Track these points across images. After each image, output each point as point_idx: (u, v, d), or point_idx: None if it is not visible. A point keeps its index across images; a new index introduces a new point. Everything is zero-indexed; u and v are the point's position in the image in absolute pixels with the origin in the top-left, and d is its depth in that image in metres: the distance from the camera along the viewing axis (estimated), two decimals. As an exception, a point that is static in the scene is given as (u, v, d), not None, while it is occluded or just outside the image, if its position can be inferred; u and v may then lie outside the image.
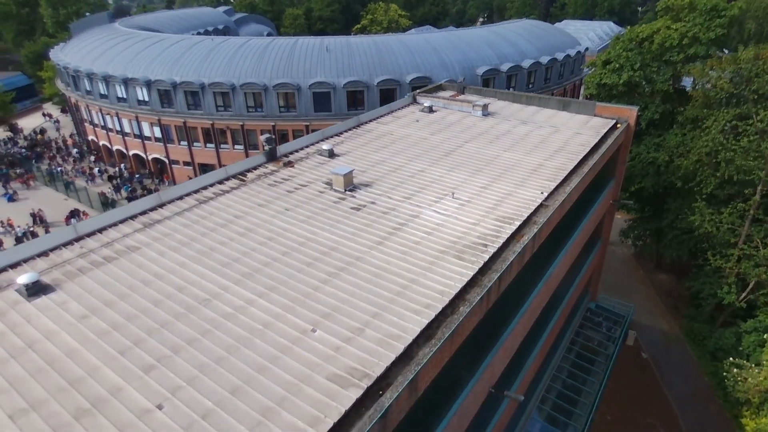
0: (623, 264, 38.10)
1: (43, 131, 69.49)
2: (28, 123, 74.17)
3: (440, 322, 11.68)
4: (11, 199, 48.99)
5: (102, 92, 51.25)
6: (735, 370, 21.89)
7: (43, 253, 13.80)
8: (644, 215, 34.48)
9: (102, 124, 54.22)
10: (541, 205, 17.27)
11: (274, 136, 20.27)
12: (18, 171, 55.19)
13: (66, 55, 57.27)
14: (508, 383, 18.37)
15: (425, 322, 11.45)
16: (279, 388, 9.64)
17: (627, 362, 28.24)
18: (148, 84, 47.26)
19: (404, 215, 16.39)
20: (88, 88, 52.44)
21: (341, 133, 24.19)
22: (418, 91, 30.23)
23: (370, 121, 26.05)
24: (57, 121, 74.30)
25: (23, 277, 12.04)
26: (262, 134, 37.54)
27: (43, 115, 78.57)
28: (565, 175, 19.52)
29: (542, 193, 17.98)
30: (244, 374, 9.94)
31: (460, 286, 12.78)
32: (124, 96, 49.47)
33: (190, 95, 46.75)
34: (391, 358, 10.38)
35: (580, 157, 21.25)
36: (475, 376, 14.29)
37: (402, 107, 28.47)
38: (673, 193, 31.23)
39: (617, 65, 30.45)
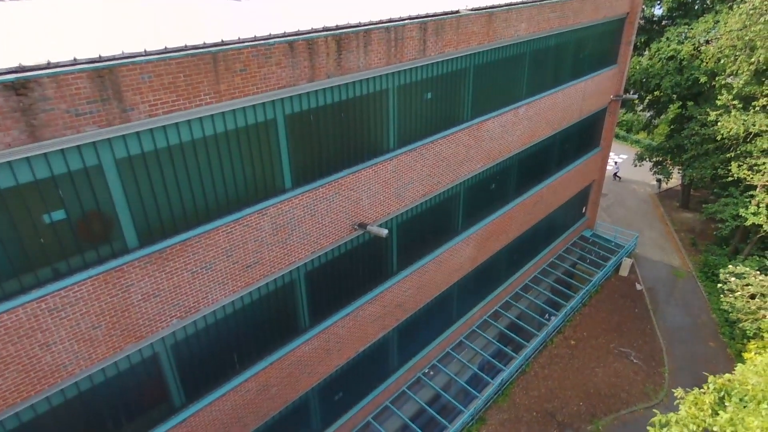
0: (642, 201, 32.34)
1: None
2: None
3: None
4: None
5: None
6: (733, 279, 16.79)
7: None
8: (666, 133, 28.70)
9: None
10: None
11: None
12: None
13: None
14: (411, 253, 14.78)
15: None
16: None
17: (616, 292, 23.37)
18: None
19: None
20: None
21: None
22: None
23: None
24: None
25: None
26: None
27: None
28: None
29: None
30: None
31: None
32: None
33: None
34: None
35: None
36: (313, 184, 10.85)
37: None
38: (698, 98, 25.40)
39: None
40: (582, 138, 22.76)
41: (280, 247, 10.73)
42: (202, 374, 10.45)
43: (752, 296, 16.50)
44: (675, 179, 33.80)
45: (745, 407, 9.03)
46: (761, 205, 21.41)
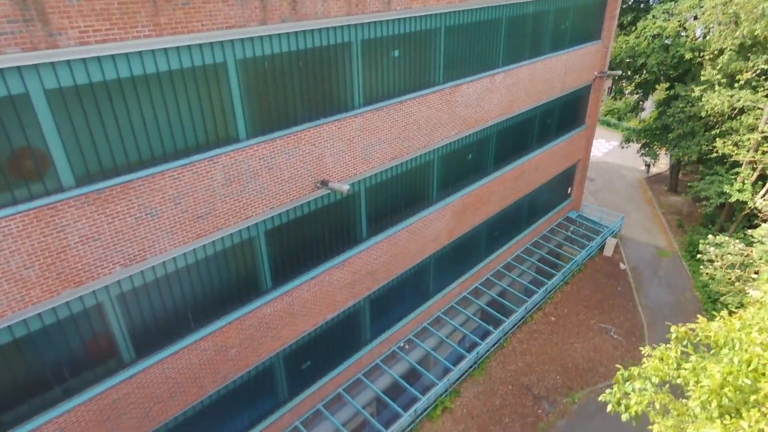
0: (630, 186, 32.06)
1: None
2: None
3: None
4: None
5: None
6: (712, 249, 16.49)
7: None
8: (653, 118, 28.41)
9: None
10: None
11: None
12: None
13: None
14: (382, 219, 14.48)
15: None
16: None
17: (600, 271, 23.08)
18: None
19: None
20: None
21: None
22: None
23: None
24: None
25: None
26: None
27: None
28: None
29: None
30: None
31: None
32: None
33: None
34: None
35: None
36: (270, 135, 10.51)
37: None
38: (684, 78, 25.09)
39: None
40: (566, 114, 22.41)
41: (235, 199, 10.40)
42: (153, 329, 10.13)
43: (731, 266, 16.21)
44: (664, 164, 33.53)
45: (711, 355, 8.73)
46: (746, 182, 21.12)
